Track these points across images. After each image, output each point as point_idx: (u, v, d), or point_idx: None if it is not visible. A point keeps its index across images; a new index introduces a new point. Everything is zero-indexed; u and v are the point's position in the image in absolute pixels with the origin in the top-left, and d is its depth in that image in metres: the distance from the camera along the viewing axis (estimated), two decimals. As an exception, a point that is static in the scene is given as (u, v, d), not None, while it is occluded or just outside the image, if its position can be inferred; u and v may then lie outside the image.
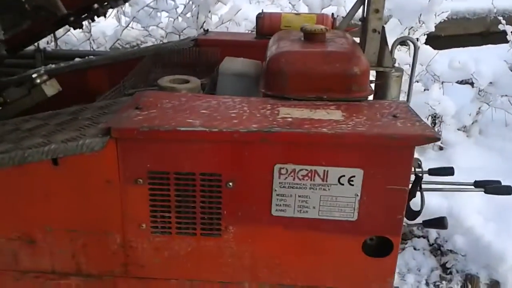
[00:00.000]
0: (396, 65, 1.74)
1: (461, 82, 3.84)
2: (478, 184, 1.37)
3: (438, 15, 3.11)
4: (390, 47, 1.70)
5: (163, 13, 3.16)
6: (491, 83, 3.52)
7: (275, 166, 1.13)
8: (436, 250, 2.55)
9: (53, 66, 2.21)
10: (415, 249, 2.57)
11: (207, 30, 2.24)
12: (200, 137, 1.10)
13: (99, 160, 1.15)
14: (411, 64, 1.76)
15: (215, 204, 1.18)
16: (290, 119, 1.16)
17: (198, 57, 2.11)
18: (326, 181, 1.13)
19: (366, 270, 1.21)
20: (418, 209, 1.30)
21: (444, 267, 2.48)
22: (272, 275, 1.25)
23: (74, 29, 2.02)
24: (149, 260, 1.26)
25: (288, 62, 1.34)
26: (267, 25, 2.11)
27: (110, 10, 3.40)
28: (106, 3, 2.00)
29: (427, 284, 2.44)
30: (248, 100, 1.33)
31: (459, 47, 5.03)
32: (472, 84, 3.62)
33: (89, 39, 3.39)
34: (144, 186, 1.17)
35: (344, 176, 1.12)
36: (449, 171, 1.41)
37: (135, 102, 1.28)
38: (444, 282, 2.41)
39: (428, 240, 2.61)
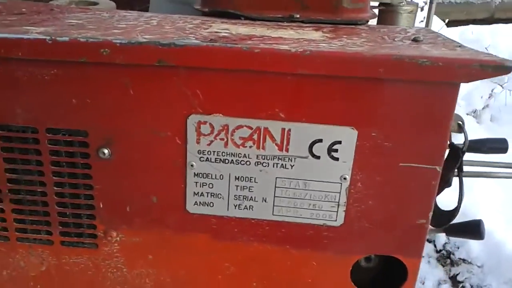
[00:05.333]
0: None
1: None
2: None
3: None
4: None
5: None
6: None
7: (188, 118, 0.58)
8: (445, 258, 2.02)
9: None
10: (417, 255, 2.04)
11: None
12: (35, 49, 0.55)
13: None
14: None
15: (81, 188, 0.63)
16: (223, 34, 0.61)
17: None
18: (287, 150, 0.59)
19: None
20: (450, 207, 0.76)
21: (454, 280, 1.95)
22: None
23: None
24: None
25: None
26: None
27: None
28: None
29: (432, 300, 1.92)
30: (165, 15, 0.78)
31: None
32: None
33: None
34: None
35: (320, 141, 0.58)
36: (502, 145, 0.86)
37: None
38: (453, 299, 1.90)
39: (435, 246, 2.08)
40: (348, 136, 0.57)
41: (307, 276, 0.66)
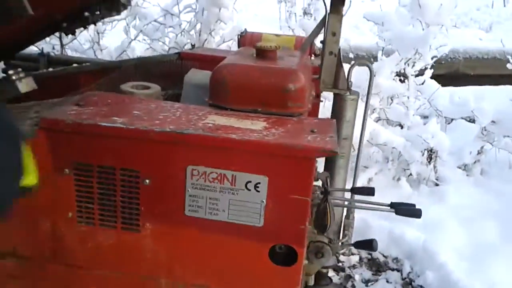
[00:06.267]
0: (354, 89, 1.78)
1: (467, 119, 3.80)
2: (393, 205, 1.37)
3: (436, 49, 3.11)
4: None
5: (170, 28, 3.32)
6: (494, 122, 3.46)
7: (187, 167, 1.19)
8: (408, 284, 2.50)
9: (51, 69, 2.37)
10: (387, 281, 2.53)
11: (194, 45, 2.35)
12: (118, 133, 1.18)
13: (33, 148, 1.25)
14: (367, 88, 1.80)
15: (134, 200, 1.25)
16: (210, 125, 1.23)
17: (180, 70, 2.21)
18: (235, 185, 1.18)
19: (272, 278, 1.24)
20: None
21: (413, 301, 2.43)
22: (186, 275, 1.30)
23: (66, 35, 2.17)
24: (75, 249, 1.34)
25: (229, 74, 1.42)
26: (247, 44, 2.20)
27: (118, 22, 3.59)
28: (98, 12, 2.14)
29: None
30: (186, 106, 1.41)
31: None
32: (473, 121, 3.58)
33: (92, 47, 3.58)
34: (70, 176, 1.25)
35: (250, 182, 1.17)
36: (370, 191, 1.43)
37: (80, 99, 1.38)
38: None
39: (402, 274, 2.57)
40: (263, 180, 1.16)
41: (247, 253, 1.24)
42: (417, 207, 1.36)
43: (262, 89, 1.40)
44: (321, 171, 1.46)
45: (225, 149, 1.17)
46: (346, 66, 1.76)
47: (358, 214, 2.07)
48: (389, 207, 1.37)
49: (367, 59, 3.97)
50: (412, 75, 3.20)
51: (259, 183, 1.17)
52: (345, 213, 1.94)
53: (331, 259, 1.47)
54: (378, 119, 3.60)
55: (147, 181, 1.22)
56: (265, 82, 1.40)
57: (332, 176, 1.82)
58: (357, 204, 1.49)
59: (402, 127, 3.55)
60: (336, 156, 1.81)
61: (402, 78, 3.38)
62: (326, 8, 1.66)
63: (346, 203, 1.51)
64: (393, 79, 3.13)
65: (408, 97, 3.26)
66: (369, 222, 2.73)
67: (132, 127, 1.18)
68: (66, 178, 1.26)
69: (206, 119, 1.28)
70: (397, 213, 1.34)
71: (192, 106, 1.42)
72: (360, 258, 2.69)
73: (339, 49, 1.68)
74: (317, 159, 1.18)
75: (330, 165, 1.85)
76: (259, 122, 1.29)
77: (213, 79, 1.45)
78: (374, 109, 3.49)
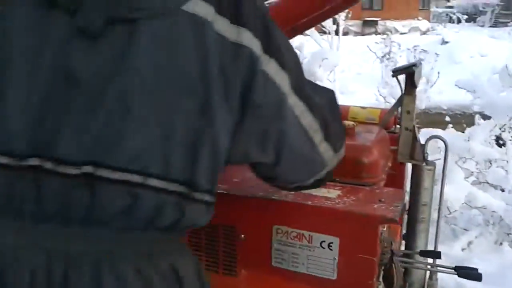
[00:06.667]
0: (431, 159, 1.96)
1: None
2: (456, 269, 1.49)
3: (534, 115, 3.11)
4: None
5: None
6: None
7: (273, 226, 1.48)
8: None
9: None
10: None
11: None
12: (221, 197, 1.52)
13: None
14: (442, 161, 1.96)
15: (232, 251, 1.56)
16: (292, 192, 1.52)
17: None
18: (311, 243, 1.44)
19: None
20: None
21: None
22: (272, 317, 1.56)
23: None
24: None
25: (312, 149, 1.71)
26: (337, 117, 2.49)
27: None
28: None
29: None
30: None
31: None
32: None
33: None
34: (185, 229, 1.61)
35: (324, 241, 1.43)
36: (437, 254, 1.57)
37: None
38: None
39: None
40: (335, 240, 1.41)
41: None
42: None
43: (340, 162, 1.67)
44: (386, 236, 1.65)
45: (303, 214, 1.45)
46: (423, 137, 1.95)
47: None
48: (452, 269, 1.51)
49: (462, 116, 4.01)
50: (510, 140, 3.21)
51: (332, 242, 1.42)
52: (428, 275, 2.06)
53: None
54: (477, 182, 3.60)
55: (242, 236, 1.53)
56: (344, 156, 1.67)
57: (414, 239, 1.98)
58: (421, 265, 1.64)
59: (503, 191, 3.51)
60: (416, 221, 1.97)
61: (500, 142, 3.39)
62: (401, 90, 1.91)
63: (412, 264, 1.67)
64: (489, 143, 3.17)
65: (507, 161, 3.25)
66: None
67: (231, 193, 1.51)
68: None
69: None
70: (459, 275, 1.47)
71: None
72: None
73: (414, 126, 1.90)
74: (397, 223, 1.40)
75: (411, 230, 2.01)
76: (334, 191, 1.55)
77: (300, 153, 1.75)
78: (472, 173, 3.51)
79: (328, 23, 8.32)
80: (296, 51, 1.93)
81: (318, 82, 3.44)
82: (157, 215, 0.89)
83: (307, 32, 8.61)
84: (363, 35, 20.46)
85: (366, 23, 23.58)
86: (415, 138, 1.91)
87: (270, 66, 0.90)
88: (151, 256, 0.91)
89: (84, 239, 0.84)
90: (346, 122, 1.84)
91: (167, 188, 0.87)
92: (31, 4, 0.84)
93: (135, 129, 0.81)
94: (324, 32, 8.30)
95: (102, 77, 0.80)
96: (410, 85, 1.84)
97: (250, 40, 0.87)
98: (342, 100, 2.57)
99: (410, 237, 1.93)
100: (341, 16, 8.14)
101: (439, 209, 2.04)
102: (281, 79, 0.93)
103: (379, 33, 11.56)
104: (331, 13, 2.23)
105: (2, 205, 0.83)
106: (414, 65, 1.83)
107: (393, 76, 1.83)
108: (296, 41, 3.38)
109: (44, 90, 0.81)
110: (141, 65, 0.80)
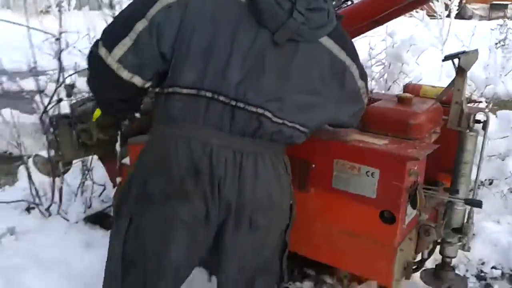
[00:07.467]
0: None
1: None
2: (465, 200, 2.00)
3: None
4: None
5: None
6: None
7: (334, 160, 2.14)
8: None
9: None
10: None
11: (371, 91, 3.27)
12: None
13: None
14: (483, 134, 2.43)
15: (306, 175, 2.25)
16: (351, 139, 2.16)
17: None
18: (360, 172, 2.09)
19: (379, 231, 2.07)
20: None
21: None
22: (332, 222, 2.23)
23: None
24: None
25: (374, 110, 2.33)
26: (410, 93, 3.02)
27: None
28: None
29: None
30: (349, 129, 2.36)
31: None
32: None
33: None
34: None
35: (369, 171, 2.06)
36: (478, 203, 2.10)
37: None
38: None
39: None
40: (376, 171, 2.04)
41: (363, 213, 2.11)
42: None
43: (393, 121, 2.27)
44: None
45: (355, 151, 2.09)
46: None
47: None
48: (461, 200, 2.04)
49: None
50: None
51: (374, 172, 2.05)
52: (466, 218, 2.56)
53: (435, 237, 2.22)
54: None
55: (313, 165, 2.22)
56: (395, 117, 2.27)
57: (456, 189, 2.47)
58: (437, 194, 2.19)
59: None
60: (458, 172, 2.46)
61: None
62: (455, 72, 2.41)
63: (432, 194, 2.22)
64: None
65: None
66: None
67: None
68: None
69: (352, 135, 2.22)
70: (465, 203, 2.00)
71: (349, 130, 2.36)
72: (502, 273, 3.13)
73: (462, 100, 2.40)
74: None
75: (454, 182, 2.52)
76: (383, 140, 2.16)
77: (365, 113, 2.37)
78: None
79: (440, 7, 8.39)
80: (388, 37, 2.76)
81: (405, 66, 3.94)
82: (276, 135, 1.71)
83: (418, 16, 8.75)
84: (490, 19, 19.30)
85: (493, 7, 22.05)
86: (462, 111, 2.42)
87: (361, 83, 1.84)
88: (276, 154, 1.77)
89: (251, 144, 1.67)
90: (404, 95, 2.42)
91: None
92: (249, 21, 1.60)
93: (292, 90, 1.67)
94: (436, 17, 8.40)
95: (279, 65, 1.64)
96: (459, 69, 2.35)
97: (350, 63, 1.78)
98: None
99: (453, 186, 2.44)
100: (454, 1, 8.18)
101: (479, 166, 2.51)
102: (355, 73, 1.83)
103: (508, 18, 11.16)
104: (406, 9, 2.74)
105: (214, 123, 1.62)
106: (463, 52, 2.33)
107: (443, 60, 2.35)
108: (389, 28, 3.86)
109: (248, 65, 1.60)
110: (298, 63, 1.67)
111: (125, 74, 1.62)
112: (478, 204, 2.04)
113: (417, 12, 8.30)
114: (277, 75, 1.63)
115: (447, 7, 8.28)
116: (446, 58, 2.36)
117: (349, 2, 2.94)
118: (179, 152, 1.62)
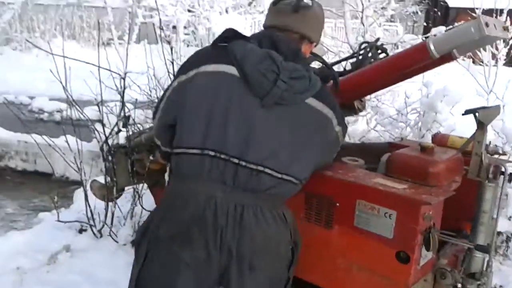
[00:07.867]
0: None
1: None
2: (475, 246, 2.14)
3: None
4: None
5: (400, 124, 4.47)
6: None
7: (356, 200, 2.36)
8: None
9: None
10: None
11: (403, 138, 3.47)
12: (331, 179, 2.45)
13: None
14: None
15: (331, 213, 2.48)
16: (373, 182, 2.38)
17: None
18: (379, 213, 2.29)
19: (395, 270, 2.25)
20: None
21: None
22: (352, 258, 2.43)
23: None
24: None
25: (398, 157, 2.55)
26: (437, 142, 3.19)
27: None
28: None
29: None
30: (370, 172, 2.58)
31: None
32: None
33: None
34: (302, 195, 2.59)
35: (387, 213, 2.26)
36: (485, 248, 2.24)
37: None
38: None
39: None
40: (393, 213, 2.24)
41: (380, 252, 2.30)
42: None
43: (413, 168, 2.47)
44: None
45: (376, 194, 2.30)
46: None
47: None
48: (471, 244, 2.18)
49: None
50: None
51: (391, 214, 2.25)
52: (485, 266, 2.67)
53: (450, 281, 2.37)
54: None
55: (337, 204, 2.44)
56: (416, 164, 2.47)
57: (474, 236, 2.60)
58: (449, 238, 2.33)
59: None
60: (477, 220, 2.60)
61: None
62: (477, 125, 2.59)
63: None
64: None
65: None
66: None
67: (334, 177, 2.44)
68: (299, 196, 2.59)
69: (375, 178, 2.43)
70: (475, 248, 2.15)
71: (373, 173, 2.58)
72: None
73: (481, 152, 2.57)
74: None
75: (473, 230, 2.66)
76: (402, 185, 2.37)
77: (389, 159, 2.59)
78: None
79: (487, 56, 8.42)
80: (423, 87, 3.04)
81: (438, 115, 4.11)
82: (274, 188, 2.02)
83: (464, 64, 8.80)
84: (543, 67, 18.78)
85: (549, 55, 21.40)
86: (481, 162, 2.58)
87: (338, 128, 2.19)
88: (273, 206, 2.05)
89: (252, 198, 1.98)
90: (427, 144, 2.62)
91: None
92: (242, 90, 1.96)
93: (286, 147, 2.01)
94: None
95: (267, 125, 1.98)
96: (479, 123, 2.53)
97: (331, 115, 2.12)
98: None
99: (472, 234, 2.59)
100: (501, 46, 8.19)
101: (497, 216, 2.64)
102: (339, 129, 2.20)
103: None
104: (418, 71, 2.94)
105: (218, 178, 1.96)
106: (482, 107, 2.52)
107: (463, 115, 2.55)
108: (425, 78, 4.05)
109: (244, 127, 1.96)
110: (288, 122, 2.01)
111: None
112: (486, 250, 2.19)
113: (463, 59, 8.37)
114: (271, 134, 1.99)
115: (494, 56, 8.31)
116: (466, 113, 2.55)
117: (384, 55, 3.20)
118: (187, 204, 1.97)
